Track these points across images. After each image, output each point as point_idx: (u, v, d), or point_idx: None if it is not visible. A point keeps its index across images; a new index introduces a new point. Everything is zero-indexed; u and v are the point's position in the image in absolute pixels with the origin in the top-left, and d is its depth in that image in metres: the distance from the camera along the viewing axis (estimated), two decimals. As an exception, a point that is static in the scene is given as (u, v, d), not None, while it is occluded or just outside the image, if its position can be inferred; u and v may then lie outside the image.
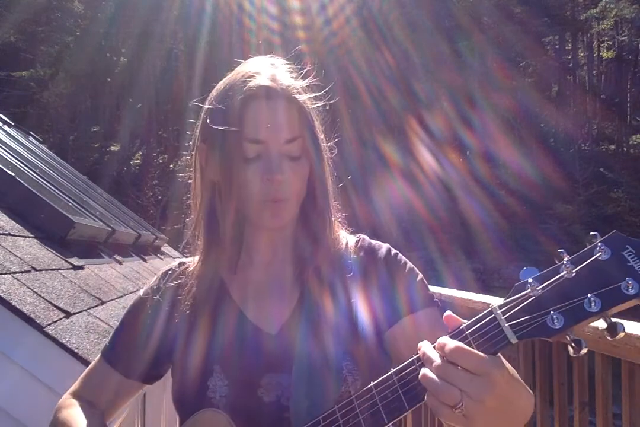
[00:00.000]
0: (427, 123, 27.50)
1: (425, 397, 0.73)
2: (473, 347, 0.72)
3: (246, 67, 1.03)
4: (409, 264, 1.09)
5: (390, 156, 26.92)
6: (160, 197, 24.68)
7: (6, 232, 2.30)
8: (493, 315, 0.72)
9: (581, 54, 34.79)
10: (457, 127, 28.13)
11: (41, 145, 6.47)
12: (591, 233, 0.74)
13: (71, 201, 3.57)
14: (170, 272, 1.13)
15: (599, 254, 0.71)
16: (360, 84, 28.47)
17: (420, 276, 1.07)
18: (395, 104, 27.99)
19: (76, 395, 1.11)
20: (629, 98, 32.46)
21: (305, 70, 1.06)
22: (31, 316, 1.71)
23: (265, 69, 1.01)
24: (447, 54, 28.79)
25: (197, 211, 1.06)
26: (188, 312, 1.04)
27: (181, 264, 1.14)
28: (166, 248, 7.76)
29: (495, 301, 2.65)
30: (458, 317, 0.77)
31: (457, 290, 3.69)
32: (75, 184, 5.05)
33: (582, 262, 0.71)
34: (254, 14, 30.37)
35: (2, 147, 3.53)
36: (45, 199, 2.87)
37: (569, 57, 33.94)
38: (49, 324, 1.75)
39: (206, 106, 1.03)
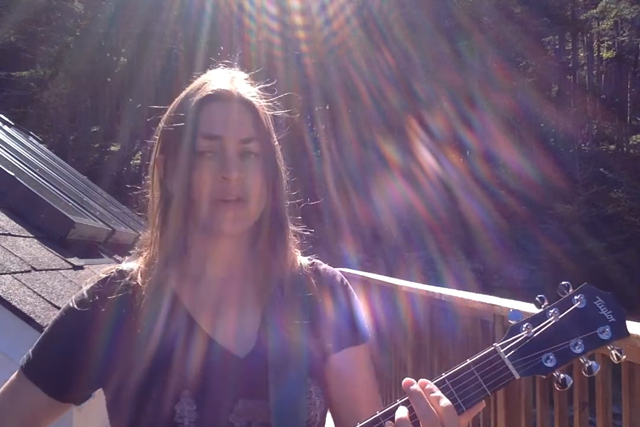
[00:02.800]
0: (427, 123, 27.50)
1: None
2: (480, 383, 0.82)
3: (204, 76, 1.03)
4: (355, 297, 1.09)
5: (390, 156, 26.92)
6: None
7: (6, 232, 2.30)
8: (497, 354, 0.84)
9: (581, 54, 34.79)
10: (457, 127, 28.13)
11: (41, 145, 6.47)
12: (562, 283, 0.88)
13: (71, 201, 3.57)
14: (109, 279, 1.01)
15: (577, 304, 0.84)
16: (360, 84, 28.47)
17: (361, 308, 1.09)
18: (395, 104, 27.99)
19: None
20: (629, 98, 32.45)
21: (264, 84, 1.05)
22: (31, 316, 1.71)
23: (222, 76, 1.02)
24: (447, 54, 28.79)
25: (154, 222, 1.01)
26: (138, 329, 0.94)
27: (121, 272, 1.02)
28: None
29: (495, 300, 2.64)
30: (414, 381, 0.83)
31: (457, 290, 3.69)
32: (75, 184, 5.05)
33: (566, 309, 0.85)
34: (254, 14, 30.37)
35: (2, 147, 3.53)
36: (45, 199, 2.87)
37: (569, 57, 33.94)
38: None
39: (165, 115, 1.02)
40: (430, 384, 0.82)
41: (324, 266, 1.09)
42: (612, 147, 31.47)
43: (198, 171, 0.95)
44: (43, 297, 1.91)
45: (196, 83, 1.02)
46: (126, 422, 0.93)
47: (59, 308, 1.92)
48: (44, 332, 1.02)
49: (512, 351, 0.83)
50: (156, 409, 0.90)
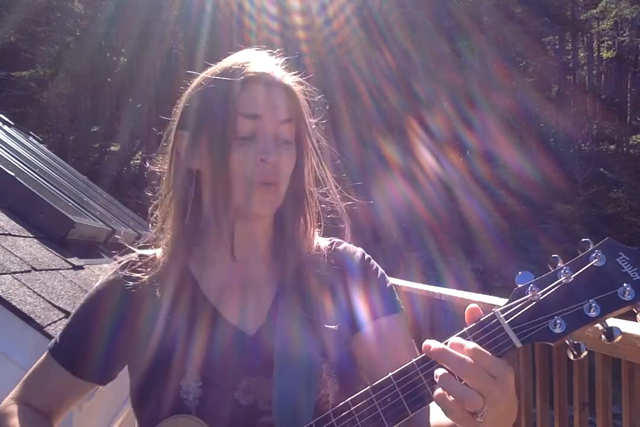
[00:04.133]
0: (427, 123, 27.49)
1: (442, 402, 0.71)
2: None
3: (240, 56, 1.02)
4: (381, 270, 1.07)
5: (390, 156, 26.91)
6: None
7: (6, 232, 2.30)
8: (496, 319, 0.74)
9: (581, 54, 34.78)
10: (457, 127, 28.13)
11: (41, 145, 6.47)
12: (583, 240, 0.76)
13: (71, 201, 3.57)
14: (130, 264, 1.04)
15: (595, 261, 0.73)
16: (360, 84, 28.46)
17: (389, 282, 1.07)
18: (395, 104, 27.98)
19: (22, 401, 1.03)
20: (629, 98, 32.45)
21: (298, 72, 1.06)
22: (31, 316, 1.71)
23: (263, 59, 1.02)
24: (447, 54, 28.78)
25: (169, 202, 1.01)
26: (155, 308, 0.98)
27: (142, 256, 1.05)
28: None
29: (495, 300, 2.66)
30: (480, 312, 0.76)
31: (457, 290, 3.69)
32: (75, 184, 5.05)
33: (580, 268, 0.73)
34: (254, 14, 30.36)
35: (2, 147, 3.53)
36: (45, 199, 2.87)
37: (569, 57, 33.93)
38: (49, 324, 1.75)
39: (189, 92, 1.01)
40: (440, 344, 0.74)
41: (344, 245, 1.09)
42: (612, 147, 31.46)
43: (236, 152, 0.94)
44: (43, 297, 1.91)
45: (232, 62, 1.00)
46: (139, 398, 0.97)
47: (59, 308, 1.92)
48: (71, 315, 1.07)
49: (514, 316, 0.73)
50: (163, 384, 0.93)
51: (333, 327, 0.98)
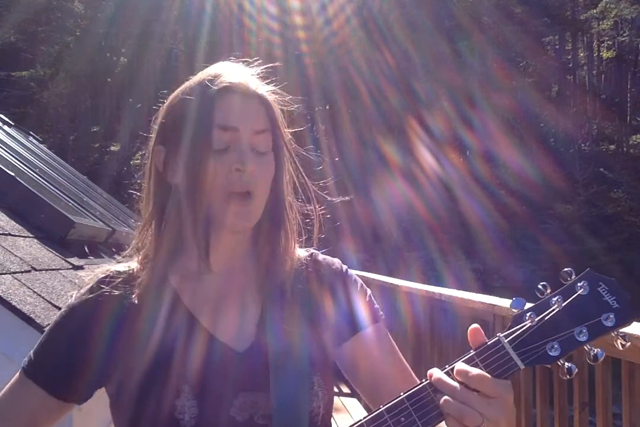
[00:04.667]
0: (427, 123, 27.49)
1: (446, 421, 0.80)
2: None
3: (213, 68, 1.01)
4: (359, 281, 1.09)
5: (390, 156, 26.91)
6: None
7: (6, 232, 2.30)
8: (501, 344, 0.82)
9: (581, 54, 34.78)
10: (457, 127, 28.13)
11: (41, 145, 6.47)
12: (565, 269, 0.86)
13: (71, 201, 3.57)
14: (107, 279, 1.00)
15: (581, 290, 0.84)
16: (360, 84, 28.46)
17: (369, 291, 1.08)
18: (395, 104, 27.99)
19: None
20: (629, 98, 32.45)
21: (274, 80, 1.05)
22: (31, 316, 1.71)
23: (236, 69, 1.01)
24: (447, 54, 28.79)
25: (149, 216, 1.00)
26: (139, 326, 0.95)
27: (119, 271, 1.02)
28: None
29: (495, 300, 2.65)
30: (482, 334, 0.84)
31: (457, 290, 3.69)
32: (75, 184, 5.05)
33: (569, 297, 0.84)
34: (254, 14, 30.36)
35: (2, 147, 3.53)
36: (45, 199, 2.87)
37: (569, 57, 33.93)
38: (49, 324, 1.75)
39: (167, 105, 1.01)
40: (440, 372, 0.82)
41: (322, 256, 1.09)
42: (612, 147, 31.47)
43: (212, 163, 0.94)
44: (43, 297, 1.91)
45: (205, 74, 1.00)
46: (128, 420, 0.93)
47: (59, 308, 1.92)
48: (45, 333, 1.02)
49: (517, 341, 0.82)
50: (157, 405, 0.90)
51: (320, 339, 0.99)
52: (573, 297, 0.83)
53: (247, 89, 0.97)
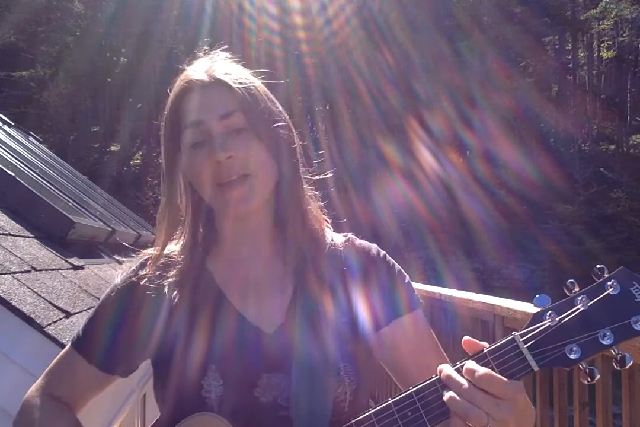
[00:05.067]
0: (427, 123, 27.48)
1: (451, 418, 0.77)
2: (496, 373, 0.77)
3: (186, 69, 1.05)
4: (397, 266, 1.07)
5: (390, 156, 26.90)
6: (160, 197, 24.62)
7: (6, 232, 2.30)
8: (515, 343, 0.77)
9: (581, 54, 34.78)
10: (457, 127, 28.12)
11: (41, 145, 6.47)
12: (598, 266, 0.79)
13: (71, 201, 3.57)
14: (151, 261, 1.06)
15: (610, 290, 0.77)
16: (361, 84, 28.45)
17: (407, 277, 1.07)
18: (395, 104, 27.98)
19: (46, 392, 1.05)
20: (629, 98, 32.45)
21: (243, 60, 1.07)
22: (31, 316, 1.71)
23: (198, 66, 1.03)
24: (447, 54, 28.78)
25: (175, 207, 1.06)
26: (174, 306, 0.99)
27: (162, 253, 1.07)
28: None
29: (495, 300, 2.64)
30: (477, 342, 0.80)
31: (457, 290, 3.70)
32: (75, 184, 5.05)
33: (596, 296, 0.77)
34: (254, 14, 30.36)
35: (2, 147, 3.53)
36: (45, 199, 2.87)
37: (569, 57, 33.93)
38: (49, 324, 1.75)
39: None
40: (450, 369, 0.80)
41: (359, 241, 1.09)
42: (612, 147, 31.46)
43: (193, 161, 0.97)
44: (43, 297, 1.90)
45: (179, 78, 1.03)
46: (162, 396, 0.98)
47: (59, 308, 1.92)
48: (92, 310, 1.08)
49: (532, 341, 0.76)
50: (184, 383, 0.94)
51: (353, 324, 0.98)
52: (600, 296, 0.77)
53: (202, 82, 0.99)
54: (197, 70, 1.01)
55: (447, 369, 0.79)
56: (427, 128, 27.43)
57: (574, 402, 2.02)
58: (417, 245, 23.73)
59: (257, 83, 1.03)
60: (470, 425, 0.75)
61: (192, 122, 0.97)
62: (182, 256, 1.03)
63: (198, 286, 1.01)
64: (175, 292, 1.00)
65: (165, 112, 1.02)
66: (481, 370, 0.76)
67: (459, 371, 0.78)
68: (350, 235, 1.09)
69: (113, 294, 1.05)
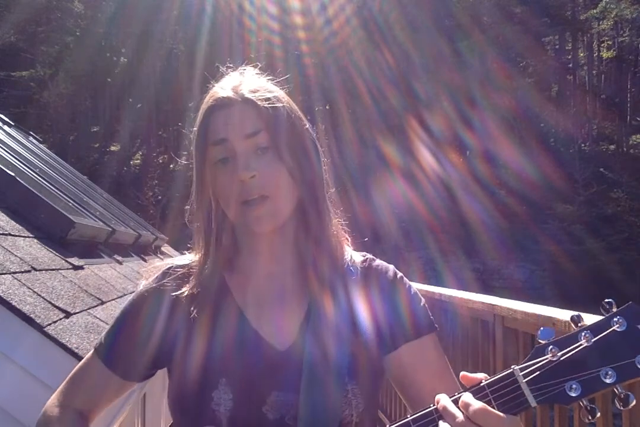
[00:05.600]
0: (427, 123, 27.50)
1: None
2: (494, 407, 0.76)
3: (215, 86, 1.06)
4: (414, 288, 1.07)
5: (390, 156, 26.91)
6: (160, 197, 24.66)
7: (6, 232, 2.30)
8: (514, 377, 0.76)
9: (581, 54, 34.80)
10: (457, 127, 28.13)
11: (41, 145, 6.47)
12: (606, 300, 0.77)
13: (71, 201, 3.57)
14: (170, 271, 1.08)
15: (616, 326, 0.75)
16: (361, 84, 28.47)
17: (423, 300, 1.07)
18: (395, 104, 27.99)
19: (66, 401, 1.07)
20: (629, 98, 32.46)
21: (275, 75, 1.08)
22: (31, 316, 1.71)
23: (227, 82, 1.04)
24: (447, 54, 28.79)
25: (201, 224, 1.07)
26: (192, 316, 1.01)
27: (180, 266, 1.09)
28: (166, 248, 7.77)
29: (495, 300, 2.63)
30: (474, 376, 0.80)
31: (457, 290, 3.69)
32: (75, 184, 5.05)
33: (601, 333, 0.75)
34: (254, 14, 30.37)
35: (2, 147, 3.53)
36: (45, 199, 2.87)
37: (569, 57, 33.94)
38: (49, 324, 1.75)
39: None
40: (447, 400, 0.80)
41: (377, 262, 1.09)
42: (612, 147, 31.48)
43: (219, 178, 0.99)
44: (43, 297, 1.90)
45: (208, 94, 1.05)
46: (173, 406, 1.00)
47: (59, 308, 1.92)
48: (115, 318, 1.11)
49: (532, 376, 0.75)
50: (195, 395, 0.95)
51: (365, 345, 0.98)
52: (605, 333, 0.75)
53: (229, 100, 1.00)
54: (225, 87, 1.02)
55: (444, 399, 0.79)
56: (427, 128, 27.44)
57: (574, 402, 2.01)
58: (417, 245, 23.74)
59: (285, 100, 1.03)
60: None
61: (216, 140, 0.99)
62: (202, 268, 1.05)
63: (216, 299, 1.02)
64: (194, 304, 1.01)
65: (195, 128, 1.03)
66: (476, 404, 0.75)
67: (455, 402, 0.78)
68: (368, 255, 1.10)
69: (135, 303, 1.08)
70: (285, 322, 1.00)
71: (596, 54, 34.23)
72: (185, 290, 1.03)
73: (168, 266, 1.10)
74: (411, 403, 1.02)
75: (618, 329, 0.74)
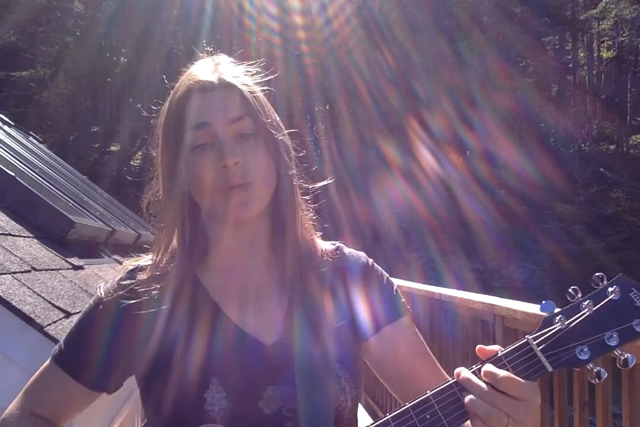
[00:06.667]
0: (427, 123, 27.50)
1: (471, 421, 0.80)
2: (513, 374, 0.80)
3: (189, 69, 1.02)
4: (385, 274, 1.08)
5: (390, 156, 26.92)
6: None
7: (6, 232, 2.30)
8: (529, 346, 0.83)
9: (581, 54, 34.79)
10: (457, 127, 28.14)
11: (41, 145, 6.47)
12: (596, 274, 0.86)
13: (71, 201, 3.57)
14: (136, 271, 1.02)
15: (612, 295, 0.84)
16: (361, 84, 28.47)
17: (395, 285, 1.08)
18: (395, 104, 27.99)
19: (26, 410, 1.00)
20: (629, 98, 32.46)
21: (253, 62, 1.05)
22: (31, 316, 1.71)
23: (205, 66, 1.01)
24: (447, 54, 28.79)
25: (168, 219, 1.03)
26: (168, 319, 0.96)
27: (147, 264, 1.03)
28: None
29: (495, 300, 2.63)
30: (490, 349, 0.84)
31: (457, 290, 3.69)
32: (75, 184, 5.05)
33: (600, 302, 0.84)
34: (254, 14, 30.37)
35: (2, 147, 3.53)
36: (45, 199, 2.87)
37: (569, 57, 33.94)
38: (49, 324, 1.75)
39: (161, 111, 1.03)
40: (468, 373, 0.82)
41: (348, 249, 1.09)
42: (612, 147, 31.48)
43: (197, 164, 0.95)
44: (43, 297, 1.90)
45: (182, 77, 1.01)
46: (157, 412, 0.95)
47: (59, 308, 1.92)
48: (74, 323, 1.04)
49: (545, 344, 0.82)
50: (184, 398, 0.92)
51: (346, 331, 0.99)
52: (604, 301, 0.83)
53: (211, 83, 0.97)
54: (205, 71, 1.00)
55: (465, 372, 0.82)
56: (427, 128, 27.44)
57: (574, 402, 2.02)
58: (417, 245, 23.75)
59: (258, 89, 1.02)
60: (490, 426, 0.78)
61: (197, 124, 0.95)
62: (171, 266, 1.00)
63: (190, 298, 0.98)
64: (167, 305, 0.97)
65: (167, 112, 1.00)
66: (501, 373, 0.79)
67: (476, 374, 0.81)
68: (338, 243, 1.10)
69: (96, 305, 1.01)
70: (268, 315, 0.98)
71: (596, 54, 34.23)
72: (156, 290, 0.98)
73: (133, 266, 1.04)
74: (395, 389, 1.03)
75: (614, 298, 0.83)
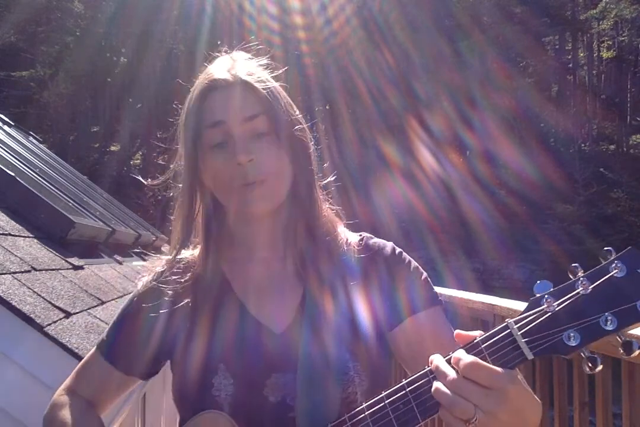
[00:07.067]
0: (427, 123, 27.49)
1: (440, 410, 0.73)
2: (488, 362, 0.72)
3: (208, 68, 1.04)
4: (413, 263, 1.06)
5: (390, 156, 26.91)
6: (160, 197, 24.65)
7: (6, 232, 2.30)
8: (509, 330, 0.73)
9: (581, 54, 34.78)
10: (457, 127, 28.13)
11: (41, 145, 6.47)
12: (605, 248, 0.74)
13: (71, 201, 3.57)
14: (169, 267, 1.09)
15: (615, 271, 0.71)
16: (361, 83, 28.46)
17: (424, 274, 1.06)
18: (395, 104, 27.98)
19: (72, 392, 1.09)
20: (629, 98, 32.45)
21: (266, 57, 1.09)
22: (31, 316, 1.71)
23: (221, 64, 1.03)
24: (447, 54, 28.78)
25: (191, 209, 1.07)
26: (190, 308, 1.02)
27: (179, 260, 1.10)
28: (166, 248, 7.75)
29: (495, 300, 2.63)
30: (468, 333, 0.77)
31: (457, 290, 3.69)
32: (75, 184, 5.05)
33: (598, 279, 0.72)
34: (254, 14, 30.35)
35: (2, 147, 3.53)
36: (45, 199, 2.87)
37: (569, 57, 33.93)
38: (49, 324, 1.75)
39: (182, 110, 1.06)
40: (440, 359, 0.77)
41: (373, 240, 1.08)
42: (612, 147, 31.47)
43: (214, 162, 0.98)
44: (43, 297, 1.90)
45: (201, 76, 1.03)
46: (177, 396, 1.01)
47: (59, 308, 1.92)
48: (116, 314, 1.12)
49: (527, 327, 0.72)
50: (195, 382, 0.96)
51: (364, 324, 0.98)
52: (603, 279, 0.71)
53: (225, 82, 0.99)
54: (220, 69, 1.01)
55: (437, 359, 0.76)
56: (427, 128, 27.43)
57: (574, 402, 2.02)
58: (417, 245, 23.72)
59: (277, 84, 1.03)
60: (458, 418, 0.71)
61: (212, 123, 0.97)
62: (197, 260, 1.06)
63: (214, 289, 1.03)
64: (192, 296, 1.03)
65: (185, 111, 1.02)
66: (467, 358, 0.71)
67: (449, 361, 0.74)
68: (365, 234, 1.10)
69: (136, 299, 1.09)
70: (282, 307, 1.00)
71: (596, 54, 34.22)
72: (186, 284, 1.03)
73: (163, 261, 1.11)
74: None
75: (617, 275, 0.71)
